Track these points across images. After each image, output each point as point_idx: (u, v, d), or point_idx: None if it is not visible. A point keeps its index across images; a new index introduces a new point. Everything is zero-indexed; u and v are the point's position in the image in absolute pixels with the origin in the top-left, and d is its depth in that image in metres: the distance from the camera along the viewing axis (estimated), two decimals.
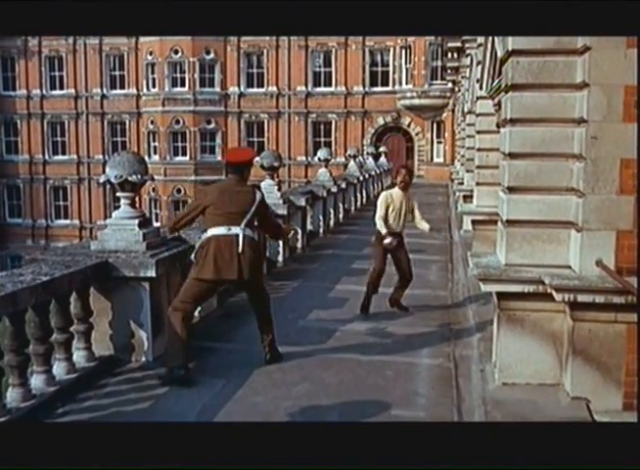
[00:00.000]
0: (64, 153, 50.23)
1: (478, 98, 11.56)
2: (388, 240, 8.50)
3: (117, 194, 6.70)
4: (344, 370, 6.56)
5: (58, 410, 5.46)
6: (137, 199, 7.25)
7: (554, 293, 5.26)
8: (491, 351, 6.28)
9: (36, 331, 5.55)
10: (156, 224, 7.91)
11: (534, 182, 5.57)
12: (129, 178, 6.42)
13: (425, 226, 9.06)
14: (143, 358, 6.57)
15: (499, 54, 6.33)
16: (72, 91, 49.68)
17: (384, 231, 8.53)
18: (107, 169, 6.53)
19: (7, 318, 5.14)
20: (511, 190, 5.67)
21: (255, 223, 6.50)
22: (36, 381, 5.62)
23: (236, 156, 6.81)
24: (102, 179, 6.65)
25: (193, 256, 6.39)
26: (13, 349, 5.25)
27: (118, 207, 6.91)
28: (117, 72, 49.23)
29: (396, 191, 8.78)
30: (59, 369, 5.91)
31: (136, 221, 6.56)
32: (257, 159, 12.13)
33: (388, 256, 8.84)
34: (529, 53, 5.41)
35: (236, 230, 6.16)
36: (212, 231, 6.21)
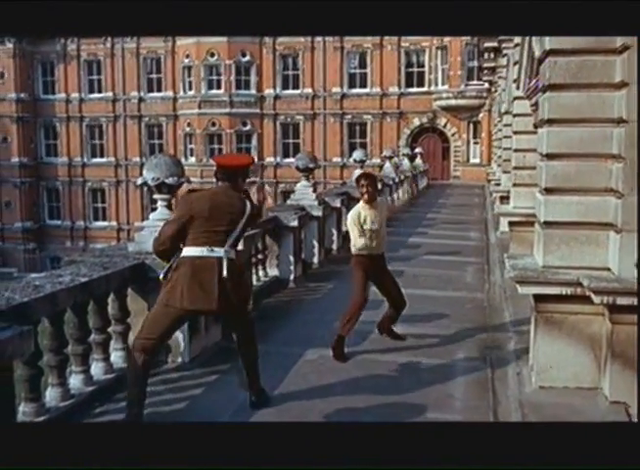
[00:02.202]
0: (102, 155, 50.89)
1: (514, 98, 11.47)
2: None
3: (154, 196, 6.75)
4: (380, 372, 6.54)
5: (95, 410, 5.52)
6: (174, 201, 7.28)
7: (592, 295, 5.19)
8: (528, 353, 6.22)
9: (75, 331, 5.63)
10: None
11: (572, 183, 5.51)
12: (166, 181, 6.47)
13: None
14: (179, 359, 6.62)
15: (536, 54, 6.27)
16: (110, 94, 50.30)
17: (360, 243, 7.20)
18: (144, 172, 6.58)
19: (46, 319, 5.22)
20: (548, 191, 5.61)
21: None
22: (75, 381, 5.70)
23: (230, 159, 5.67)
24: (139, 182, 6.71)
25: (162, 276, 5.17)
26: (52, 349, 5.34)
27: (155, 209, 6.97)
28: (154, 75, 49.73)
29: (363, 206, 7.29)
30: (97, 369, 5.98)
31: None
32: (296, 161, 12.16)
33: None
34: (567, 52, 5.35)
35: (219, 252, 5.04)
36: (189, 251, 5.05)
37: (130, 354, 5.27)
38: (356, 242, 7.21)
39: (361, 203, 7.35)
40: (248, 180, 5.56)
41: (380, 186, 18.03)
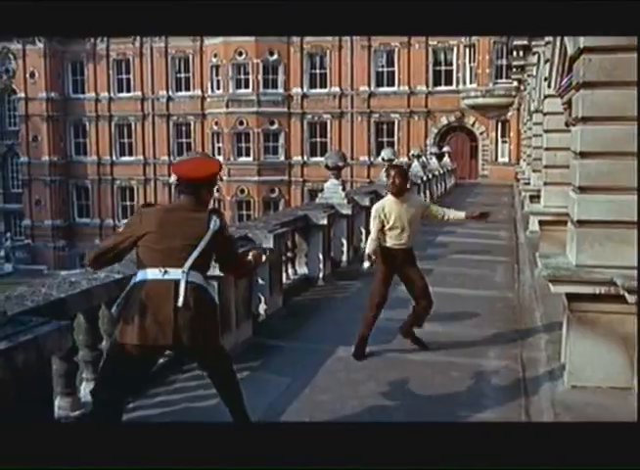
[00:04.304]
0: (130, 154, 51.35)
1: (546, 96, 11.37)
2: (365, 264, 6.94)
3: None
4: (410, 370, 6.54)
5: (129, 405, 5.58)
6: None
7: (626, 294, 5.15)
8: (560, 353, 6.19)
9: (109, 327, 5.70)
10: None
11: (606, 181, 5.46)
12: None
13: (459, 215, 7.36)
14: None
15: (569, 51, 6.23)
16: (139, 93, 50.74)
17: (367, 250, 6.92)
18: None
19: (82, 315, 5.29)
20: (582, 190, 5.57)
21: (214, 264, 4.64)
22: None
23: (192, 170, 4.48)
24: (172, 180, 6.75)
25: (114, 309, 4.29)
26: (87, 344, 5.41)
27: None
28: (183, 75, 50.06)
29: (389, 199, 6.95)
30: None
31: None
32: (323, 159, 12.17)
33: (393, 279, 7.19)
34: (602, 50, 5.31)
35: (176, 274, 4.13)
36: (142, 275, 4.20)
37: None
38: (373, 236, 6.89)
39: (389, 195, 7.00)
40: (215, 190, 4.69)
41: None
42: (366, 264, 6.92)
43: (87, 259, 4.48)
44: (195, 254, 4.19)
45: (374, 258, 6.87)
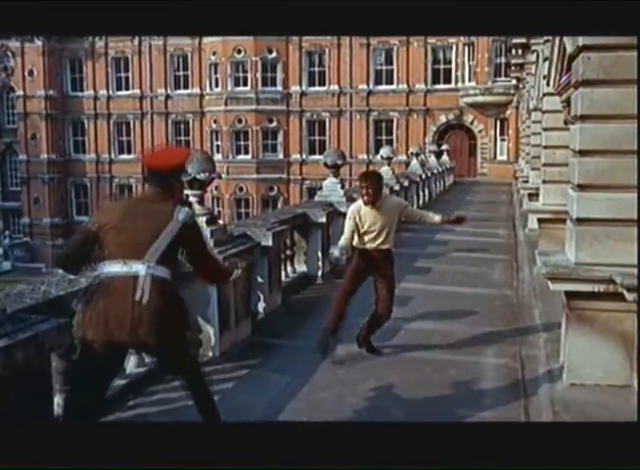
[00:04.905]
0: (129, 152, 51.29)
1: (544, 95, 11.39)
2: (335, 252, 6.87)
3: (186, 192, 6.80)
4: (409, 369, 6.55)
5: (128, 403, 5.59)
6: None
7: (625, 292, 5.16)
8: (559, 351, 6.20)
9: None
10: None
11: (605, 180, 5.47)
12: (198, 176, 6.53)
13: (435, 219, 7.20)
14: (210, 353, 6.67)
15: (568, 50, 6.22)
16: (138, 91, 50.69)
17: (339, 244, 6.79)
18: None
19: None
20: (581, 187, 5.58)
21: (181, 260, 4.31)
22: None
23: (157, 158, 4.37)
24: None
25: (74, 303, 4.05)
26: None
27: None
28: (181, 73, 50.01)
29: (364, 207, 6.70)
30: (129, 363, 6.04)
31: (204, 219, 6.66)
32: (321, 157, 12.17)
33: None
34: (601, 48, 5.31)
35: (137, 267, 3.92)
36: (103, 269, 3.99)
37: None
38: (346, 236, 6.74)
39: (360, 202, 6.76)
40: (184, 180, 4.52)
41: (396, 185, 17.96)
42: (336, 252, 6.80)
43: (59, 266, 4.38)
44: (156, 245, 3.96)
45: (345, 252, 6.77)
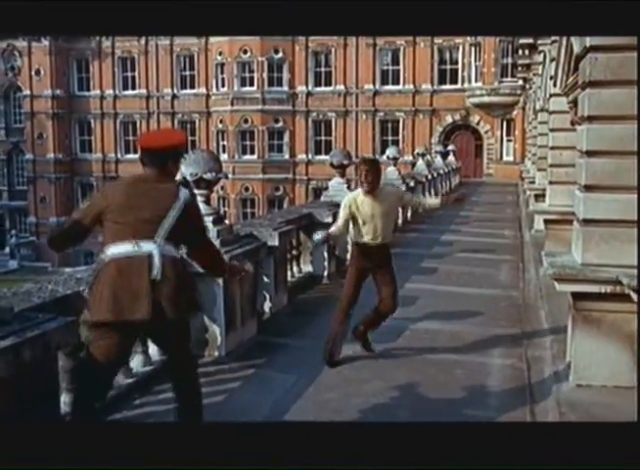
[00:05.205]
0: (135, 151, 50.64)
1: (551, 95, 11.37)
2: (318, 236, 6.61)
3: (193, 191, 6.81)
4: (415, 369, 6.54)
5: (135, 401, 5.60)
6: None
7: (632, 293, 5.14)
8: (565, 352, 6.19)
9: None
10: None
11: (612, 181, 5.46)
12: (204, 176, 6.54)
13: (434, 202, 6.81)
14: (216, 353, 6.68)
15: (576, 50, 6.22)
16: (144, 91, 50.81)
17: (320, 235, 6.48)
18: (182, 167, 6.61)
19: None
20: (588, 188, 5.57)
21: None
22: None
23: (155, 139, 4.42)
24: (177, 177, 6.76)
25: (85, 289, 4.21)
26: None
27: None
28: (188, 73, 50.10)
29: (361, 196, 6.44)
30: (136, 362, 6.05)
31: (211, 218, 6.67)
32: (327, 157, 12.18)
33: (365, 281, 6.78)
34: (608, 49, 5.30)
35: (148, 246, 3.94)
36: (112, 250, 3.97)
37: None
38: (339, 224, 6.51)
39: (360, 191, 6.47)
40: (180, 163, 4.49)
41: (402, 185, 17.94)
42: (319, 236, 6.44)
43: (47, 239, 4.32)
44: (166, 224, 3.99)
45: (329, 236, 6.55)
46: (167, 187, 4.12)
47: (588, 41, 5.36)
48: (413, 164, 27.46)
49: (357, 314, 6.81)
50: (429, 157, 26.36)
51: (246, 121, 46.98)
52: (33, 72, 51.19)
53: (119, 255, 3.92)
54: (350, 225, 6.51)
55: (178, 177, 4.63)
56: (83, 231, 4.13)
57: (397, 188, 7.49)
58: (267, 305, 8.20)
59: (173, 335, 4.22)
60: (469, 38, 43.07)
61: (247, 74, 46.99)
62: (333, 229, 6.62)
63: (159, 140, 4.31)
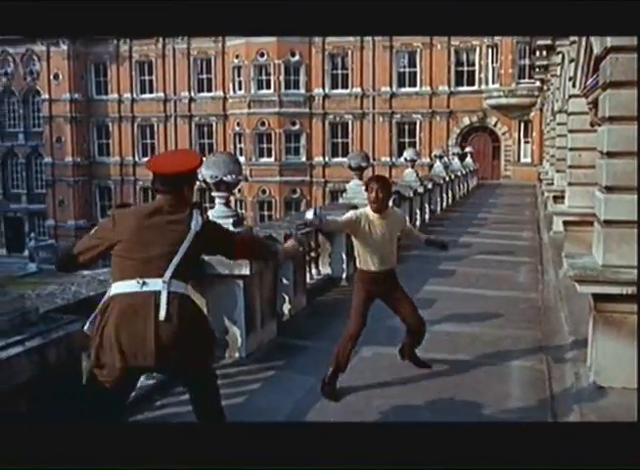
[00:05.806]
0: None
1: (570, 96, 11.32)
2: (309, 215, 5.57)
3: (212, 194, 6.85)
4: (435, 371, 6.53)
5: (156, 403, 5.64)
6: None
7: None
8: (585, 353, 6.16)
9: None
10: None
11: (633, 181, 5.42)
12: (224, 178, 6.57)
13: (421, 237, 6.97)
14: (237, 354, 6.71)
15: (595, 51, 6.20)
16: (162, 95, 51.03)
17: (310, 215, 5.59)
18: (202, 170, 6.62)
19: None
20: (609, 189, 5.55)
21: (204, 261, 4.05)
22: None
23: (170, 164, 4.00)
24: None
25: (87, 326, 3.84)
26: None
27: (212, 207, 7.07)
28: (205, 76, 50.28)
29: (370, 214, 6.02)
30: None
31: (231, 220, 6.69)
32: (344, 159, 12.20)
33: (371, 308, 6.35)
34: (630, 49, 5.27)
35: (155, 285, 3.68)
36: (117, 288, 3.73)
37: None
38: (338, 220, 6.13)
39: (368, 209, 6.04)
40: (195, 187, 4.15)
41: (420, 187, 17.86)
42: (309, 215, 5.62)
43: (56, 262, 4.10)
44: (175, 260, 3.71)
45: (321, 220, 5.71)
46: (181, 218, 3.83)
47: (609, 42, 5.34)
48: (430, 167, 27.43)
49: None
50: (446, 159, 26.35)
51: (263, 124, 47.07)
52: (52, 77, 51.56)
53: (124, 293, 3.68)
54: (355, 251, 6.19)
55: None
56: (94, 259, 3.90)
57: (403, 214, 7.30)
58: (286, 307, 8.23)
59: (193, 380, 4.01)
60: (486, 40, 42.93)
61: (263, 77, 47.09)
62: (332, 218, 6.22)
63: (174, 165, 3.94)
